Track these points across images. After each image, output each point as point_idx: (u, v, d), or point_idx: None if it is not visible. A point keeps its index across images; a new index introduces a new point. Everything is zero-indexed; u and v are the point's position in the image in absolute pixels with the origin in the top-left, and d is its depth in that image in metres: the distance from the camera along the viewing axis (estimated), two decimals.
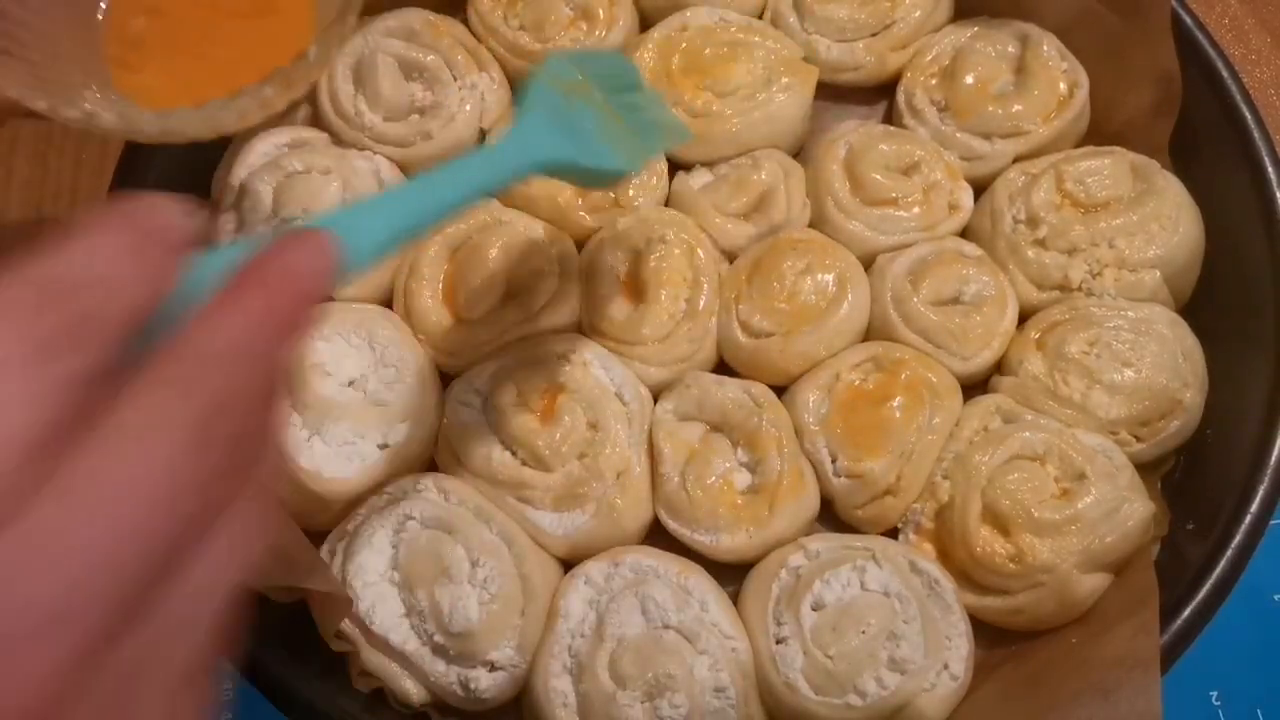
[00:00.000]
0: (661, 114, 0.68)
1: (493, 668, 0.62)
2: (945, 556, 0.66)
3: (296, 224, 0.50)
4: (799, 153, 0.79)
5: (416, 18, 0.78)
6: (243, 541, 0.28)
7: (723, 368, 0.72)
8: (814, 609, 0.62)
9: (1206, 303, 0.73)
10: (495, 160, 0.52)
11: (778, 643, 0.62)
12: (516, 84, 0.80)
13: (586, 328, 0.72)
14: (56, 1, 0.56)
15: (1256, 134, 0.71)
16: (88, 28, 0.58)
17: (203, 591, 0.27)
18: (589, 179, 0.59)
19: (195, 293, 0.30)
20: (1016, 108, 0.76)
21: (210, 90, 0.50)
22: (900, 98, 0.79)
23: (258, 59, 0.54)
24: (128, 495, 0.24)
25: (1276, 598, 0.74)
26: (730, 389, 0.69)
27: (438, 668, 0.62)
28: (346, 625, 0.62)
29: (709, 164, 0.77)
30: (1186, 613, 0.60)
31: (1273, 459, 0.63)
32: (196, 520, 0.26)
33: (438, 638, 0.62)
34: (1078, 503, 0.63)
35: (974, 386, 0.71)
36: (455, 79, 0.77)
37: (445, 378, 0.71)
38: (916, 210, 0.74)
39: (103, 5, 0.59)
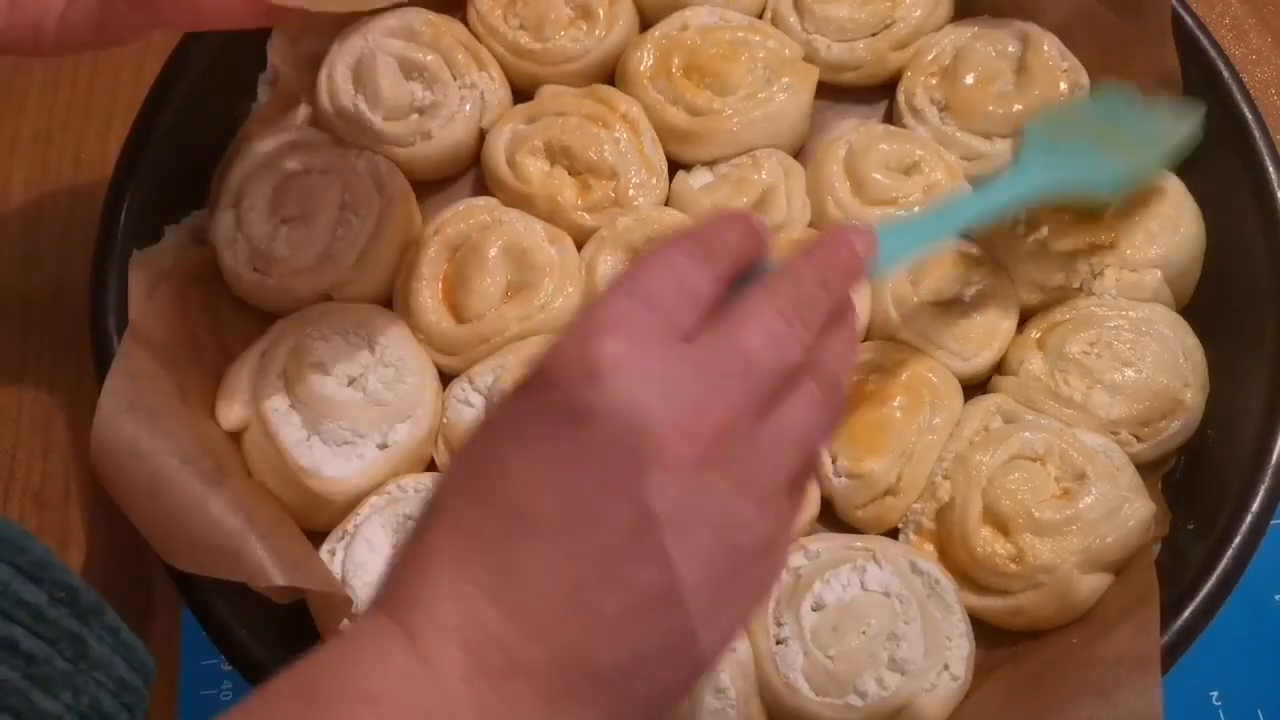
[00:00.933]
0: (1165, 130, 0.70)
1: None
2: (945, 557, 0.66)
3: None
4: (799, 152, 0.79)
5: (417, 17, 0.78)
6: (817, 403, 0.43)
7: None
8: (814, 609, 0.62)
9: (1207, 303, 0.72)
10: (1006, 188, 0.63)
11: (778, 643, 0.62)
12: (516, 84, 0.80)
13: None
14: None
15: (1257, 134, 0.71)
16: None
17: (797, 424, 0.42)
18: (1095, 192, 0.67)
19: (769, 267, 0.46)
20: (1017, 108, 0.75)
21: None
22: (900, 97, 0.79)
23: None
24: (755, 335, 0.41)
25: (1277, 598, 0.74)
26: None
27: None
28: (346, 625, 0.62)
29: (709, 164, 0.77)
30: (1187, 613, 0.60)
31: (1273, 459, 0.63)
32: (789, 360, 0.42)
33: None
34: (1078, 503, 0.63)
35: (974, 386, 0.71)
36: (455, 79, 0.77)
37: (445, 378, 0.71)
38: (917, 210, 0.74)
39: None
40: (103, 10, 0.55)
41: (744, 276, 0.45)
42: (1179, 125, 0.70)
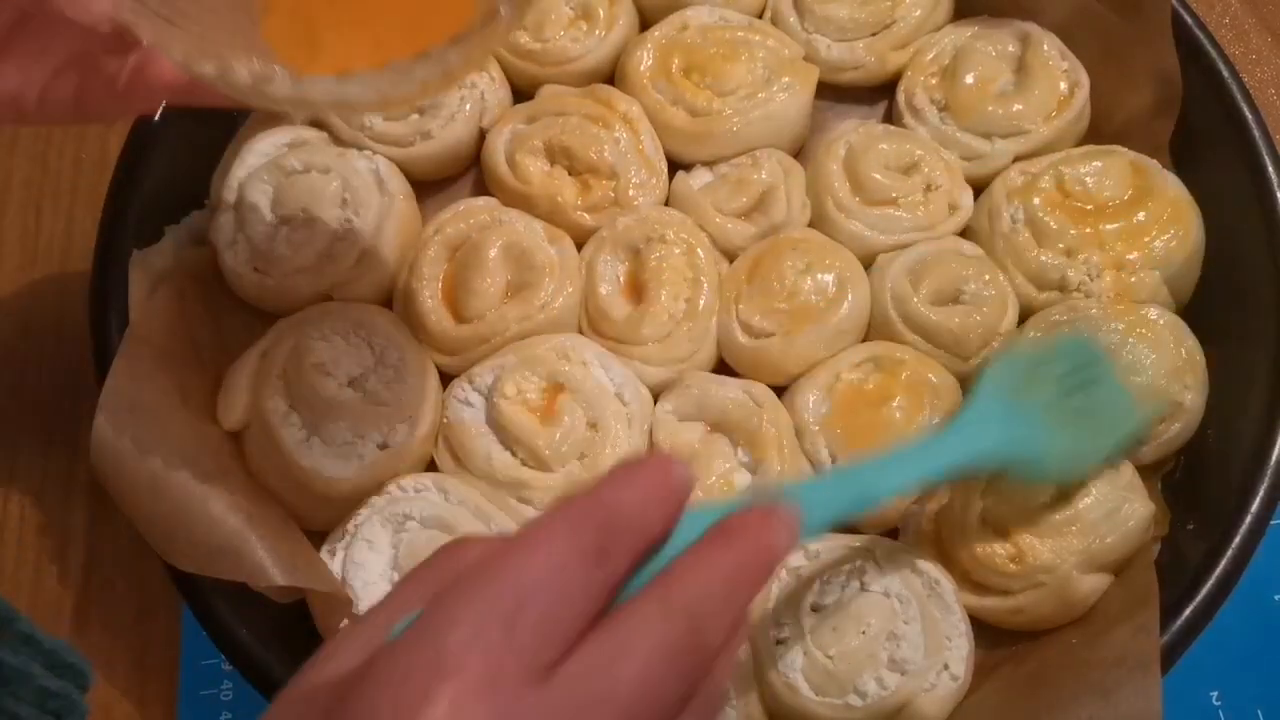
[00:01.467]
0: (1122, 416, 0.64)
1: None
2: (945, 557, 0.66)
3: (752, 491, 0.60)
4: (799, 152, 0.79)
5: None
6: None
7: (723, 368, 0.72)
8: (814, 609, 0.62)
9: (1206, 303, 0.72)
10: (940, 450, 0.56)
11: (777, 643, 0.62)
12: (516, 84, 0.80)
13: (586, 328, 0.72)
14: None
15: (1257, 134, 0.71)
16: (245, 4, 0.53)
17: None
18: (1032, 475, 0.61)
19: (682, 540, 0.37)
20: (1017, 107, 0.75)
21: (380, 58, 0.46)
22: (900, 97, 0.79)
23: (427, 27, 0.48)
24: (632, 680, 0.33)
25: (1277, 598, 0.74)
26: (730, 389, 0.69)
27: None
28: (346, 625, 0.62)
29: (709, 163, 0.77)
30: (1187, 613, 0.60)
31: (1273, 459, 0.63)
32: (669, 710, 0.35)
33: None
34: (1077, 503, 0.63)
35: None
36: None
37: (445, 378, 0.71)
38: (917, 210, 0.74)
39: None
40: (82, 90, 0.54)
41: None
42: (1137, 411, 0.65)
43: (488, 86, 0.78)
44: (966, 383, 0.70)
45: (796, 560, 0.64)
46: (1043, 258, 0.72)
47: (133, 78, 0.53)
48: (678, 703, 0.35)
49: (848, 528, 0.68)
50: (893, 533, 0.68)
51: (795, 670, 0.61)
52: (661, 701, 0.34)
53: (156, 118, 0.72)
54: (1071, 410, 0.61)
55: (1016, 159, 0.76)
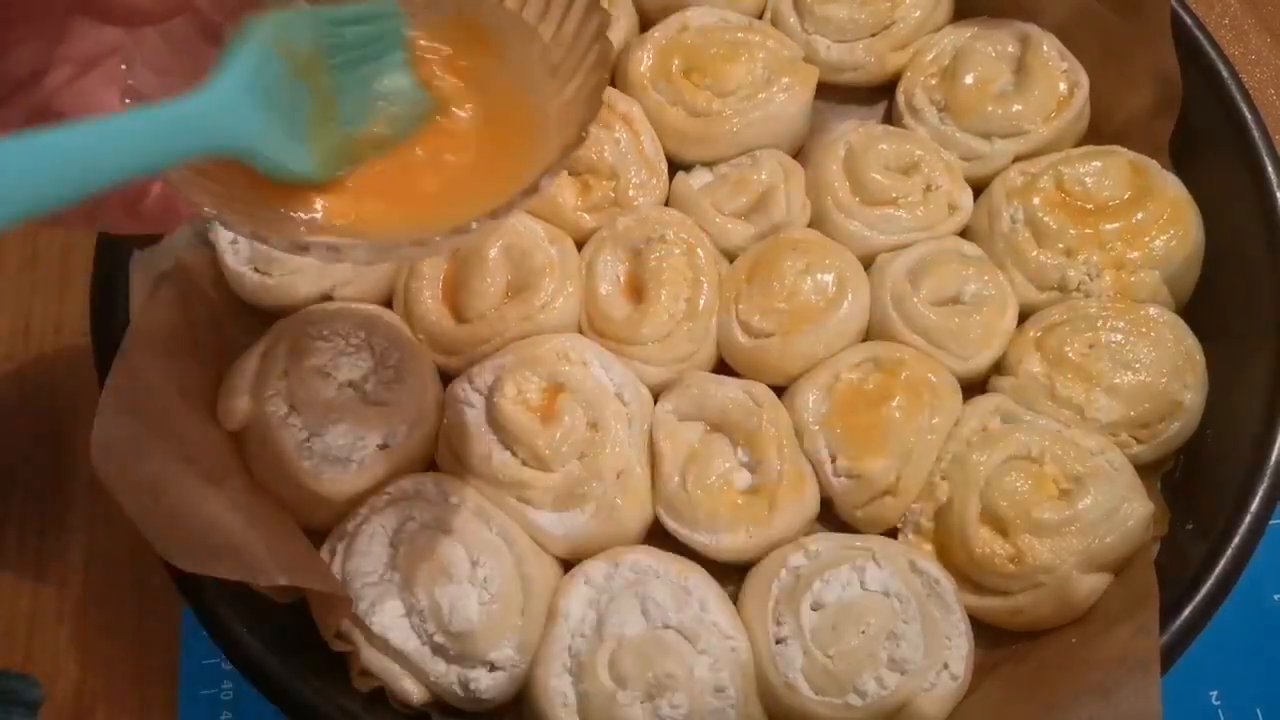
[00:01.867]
0: (389, 87, 0.51)
1: (492, 668, 0.62)
2: (945, 557, 0.66)
3: None
4: (799, 153, 0.79)
5: None
6: None
7: (723, 368, 0.72)
8: (814, 609, 0.62)
9: (1206, 303, 0.73)
10: (157, 131, 0.41)
11: (777, 642, 0.62)
12: None
13: (586, 328, 0.72)
14: None
15: (1256, 134, 0.72)
16: None
17: None
18: (270, 170, 0.47)
19: None
20: (1016, 108, 0.76)
21: (418, 216, 0.46)
22: (900, 98, 0.79)
23: (467, 192, 0.48)
24: None
25: (1276, 598, 0.74)
26: (730, 389, 0.69)
27: (438, 668, 0.62)
28: (346, 625, 0.62)
29: (709, 164, 0.77)
30: (1186, 613, 0.60)
31: (1273, 459, 0.63)
32: None
33: (438, 638, 0.62)
34: (1077, 503, 0.63)
35: (973, 386, 0.71)
36: None
37: (445, 378, 0.71)
38: (916, 210, 0.74)
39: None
40: (96, 209, 0.51)
41: None
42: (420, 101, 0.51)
43: None
44: (966, 383, 0.70)
45: (797, 560, 0.64)
46: (1042, 258, 0.72)
47: (155, 205, 0.51)
48: None
49: (846, 527, 0.68)
50: (893, 532, 0.68)
51: (795, 670, 0.61)
52: None
53: None
54: (328, 120, 0.49)
55: (1016, 159, 0.76)
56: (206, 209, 0.44)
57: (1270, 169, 0.70)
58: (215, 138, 0.44)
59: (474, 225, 0.44)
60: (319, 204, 0.49)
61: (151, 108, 0.44)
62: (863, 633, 0.61)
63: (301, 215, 0.48)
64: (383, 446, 0.67)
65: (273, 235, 0.44)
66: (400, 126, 0.51)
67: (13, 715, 0.49)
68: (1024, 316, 0.72)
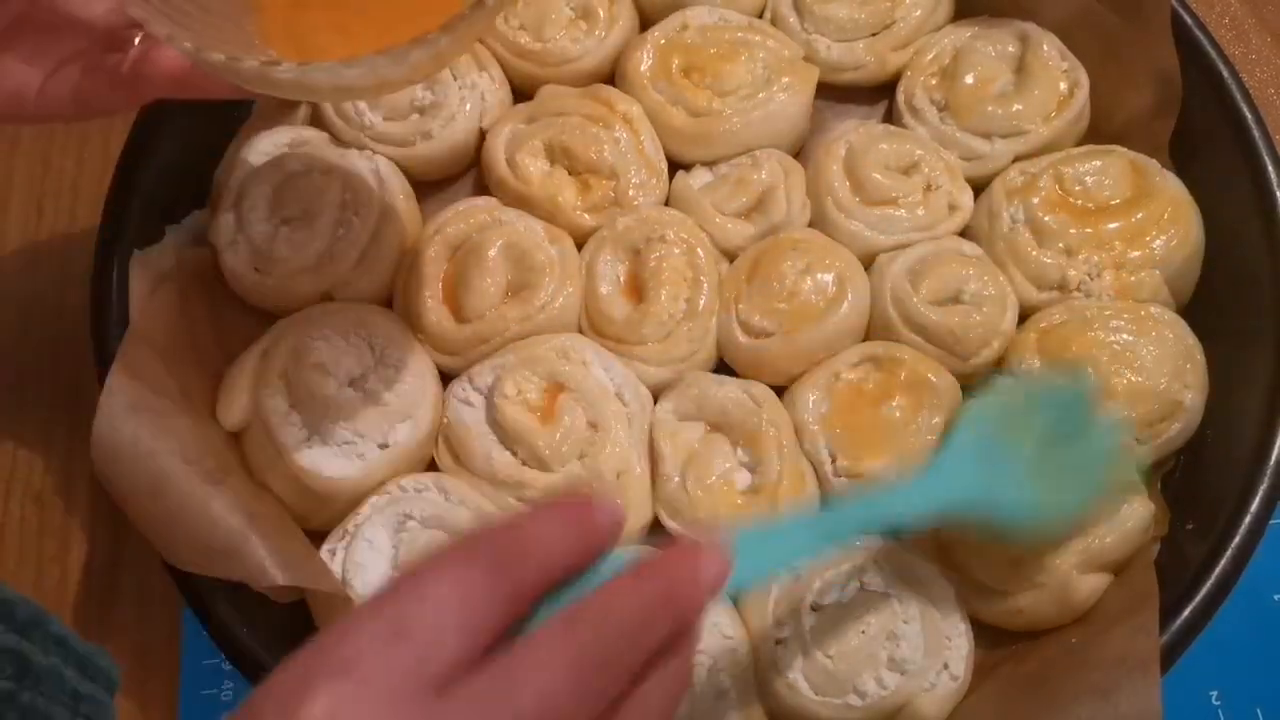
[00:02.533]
0: (1102, 469, 0.59)
1: None
2: (945, 557, 0.66)
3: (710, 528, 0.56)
4: (799, 152, 0.79)
5: None
6: None
7: (723, 368, 0.72)
8: (814, 609, 0.62)
9: (1206, 303, 0.72)
10: (906, 499, 0.53)
11: (777, 643, 0.62)
12: (516, 84, 0.80)
13: (586, 328, 0.72)
14: None
15: (1256, 134, 0.71)
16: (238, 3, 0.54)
17: None
18: (1005, 528, 0.56)
19: (602, 578, 0.37)
20: (1016, 107, 0.75)
21: (372, 43, 0.47)
22: (900, 97, 0.79)
23: (418, 13, 0.50)
24: (530, 698, 0.33)
25: (1276, 598, 0.74)
26: (730, 389, 0.69)
27: None
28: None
29: (709, 164, 0.77)
30: (1186, 613, 0.60)
31: (1273, 459, 0.63)
32: None
33: None
34: None
35: (973, 387, 0.71)
36: (455, 78, 0.77)
37: (446, 377, 0.71)
38: (917, 210, 0.74)
39: None
40: (83, 85, 0.56)
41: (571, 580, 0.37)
42: (1124, 461, 0.61)
43: (488, 86, 0.78)
44: (966, 383, 0.70)
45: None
46: (1043, 258, 0.72)
47: (134, 68, 0.54)
48: None
49: None
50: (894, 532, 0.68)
51: (795, 670, 0.61)
52: None
53: (150, 116, 0.72)
54: (1051, 463, 0.57)
55: (1016, 159, 0.76)
56: (186, 44, 0.47)
57: (1271, 169, 0.70)
58: (951, 497, 0.53)
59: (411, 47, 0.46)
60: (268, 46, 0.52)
61: (900, 484, 0.56)
62: (863, 633, 0.61)
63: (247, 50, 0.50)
64: (383, 446, 0.67)
65: (246, 59, 0.46)
66: None
67: (96, 683, 0.49)
68: (1024, 316, 0.72)
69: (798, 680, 0.61)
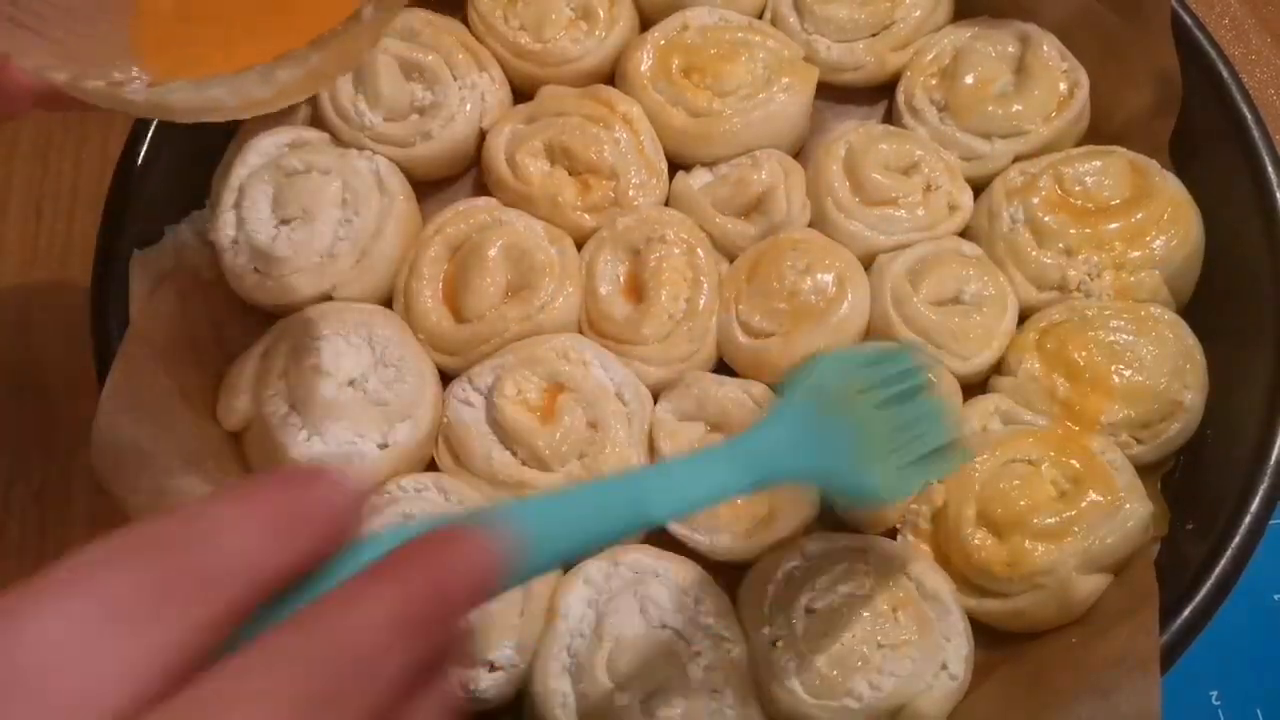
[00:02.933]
0: (938, 433, 0.58)
1: (492, 668, 0.62)
2: (943, 557, 0.66)
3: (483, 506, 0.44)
4: (799, 152, 0.79)
5: (417, 17, 0.78)
6: None
7: (723, 368, 0.72)
8: (808, 611, 0.62)
9: (1206, 303, 0.72)
10: (723, 467, 0.47)
11: (773, 645, 0.62)
12: (516, 84, 0.80)
13: (586, 328, 0.72)
14: None
15: (1256, 134, 0.71)
16: (115, 4, 0.52)
17: None
18: (835, 494, 0.54)
19: (349, 571, 0.28)
20: (1016, 108, 0.75)
21: (250, 61, 0.44)
22: (900, 98, 0.79)
23: (302, 30, 0.46)
24: None
25: (1276, 598, 0.74)
26: (730, 389, 0.69)
27: None
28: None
29: (709, 164, 0.77)
30: (1186, 613, 0.60)
31: (1273, 459, 0.63)
32: None
33: None
34: (1076, 505, 0.63)
35: (973, 387, 0.71)
36: (455, 79, 0.77)
37: (445, 378, 0.71)
38: (917, 210, 0.74)
39: None
40: None
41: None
42: (951, 430, 0.59)
43: (488, 86, 0.78)
44: (966, 383, 0.70)
45: (793, 561, 0.64)
46: (1043, 258, 0.72)
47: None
48: None
49: (844, 527, 0.68)
50: (892, 533, 0.68)
51: (790, 673, 0.61)
52: None
53: (157, 121, 0.72)
54: (886, 425, 0.55)
55: (1016, 159, 0.76)
56: (28, 62, 0.45)
57: (1271, 169, 0.70)
58: (775, 468, 0.49)
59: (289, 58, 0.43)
60: (146, 72, 0.49)
61: (718, 450, 0.52)
62: (855, 635, 0.61)
63: (120, 67, 0.48)
64: (383, 446, 0.67)
65: (88, 78, 0.45)
66: None
67: None
68: (1024, 316, 0.72)
69: (793, 683, 0.60)
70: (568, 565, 0.62)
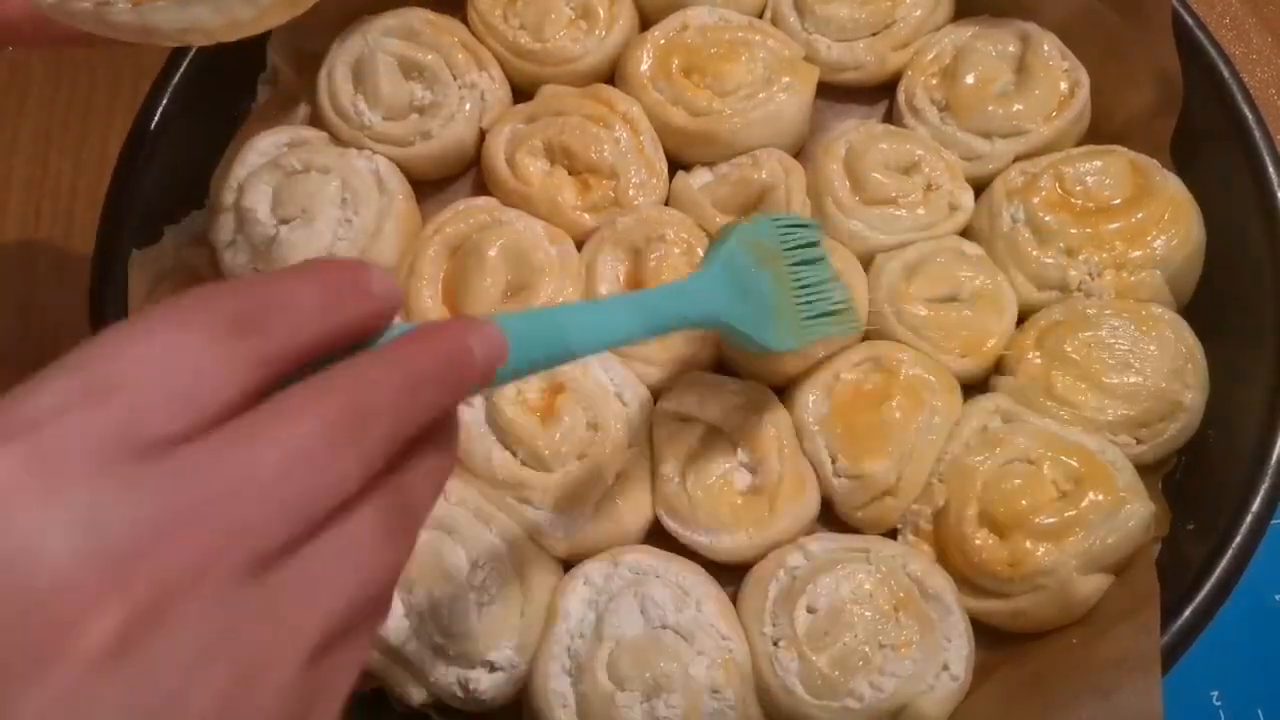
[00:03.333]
0: (835, 298, 0.66)
1: (492, 668, 0.62)
2: (944, 558, 0.66)
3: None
4: (799, 152, 0.79)
5: (416, 17, 0.78)
6: (365, 544, 0.31)
7: (723, 368, 0.72)
8: (809, 611, 0.62)
9: (1207, 303, 0.72)
10: (669, 301, 0.54)
11: (774, 645, 0.62)
12: (516, 84, 0.80)
13: None
14: None
15: (1257, 134, 0.71)
16: None
17: (322, 577, 0.29)
18: (745, 344, 0.60)
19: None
20: (1017, 107, 0.75)
21: None
22: (900, 97, 0.79)
23: None
24: (271, 453, 0.28)
25: (1277, 598, 0.74)
26: (730, 389, 0.69)
27: (437, 668, 0.62)
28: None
29: (709, 163, 0.77)
30: (1187, 613, 0.60)
31: (1273, 459, 0.63)
32: (323, 491, 0.29)
33: (437, 638, 0.62)
34: (1077, 505, 0.63)
35: (973, 386, 0.71)
36: (455, 78, 0.77)
37: None
38: (917, 210, 0.74)
39: None
40: None
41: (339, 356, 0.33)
42: (843, 293, 0.67)
43: (488, 86, 0.78)
44: (966, 383, 0.70)
45: (795, 560, 0.64)
46: (1043, 258, 0.72)
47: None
48: (333, 500, 0.30)
49: (847, 528, 0.68)
50: (893, 533, 0.68)
51: (791, 673, 0.61)
52: (311, 494, 0.29)
53: (149, 117, 0.72)
54: (793, 283, 0.63)
55: (1017, 159, 0.76)
56: None
57: (1271, 169, 0.70)
58: (702, 312, 0.56)
59: None
60: None
61: (668, 287, 0.61)
62: (856, 635, 0.61)
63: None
64: None
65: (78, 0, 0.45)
66: None
67: None
68: (1024, 316, 0.72)
69: (793, 683, 0.60)
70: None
